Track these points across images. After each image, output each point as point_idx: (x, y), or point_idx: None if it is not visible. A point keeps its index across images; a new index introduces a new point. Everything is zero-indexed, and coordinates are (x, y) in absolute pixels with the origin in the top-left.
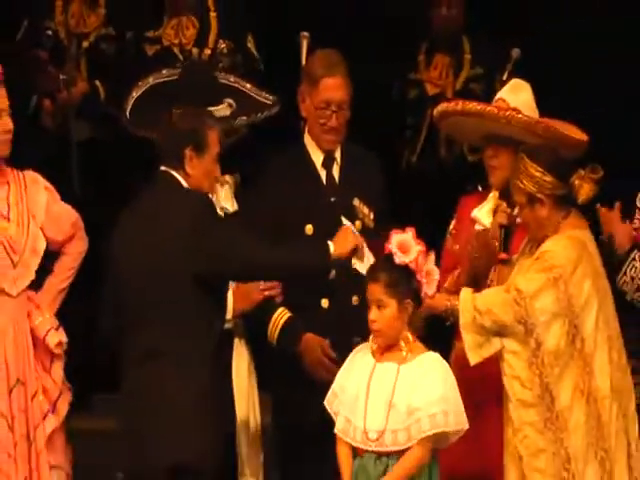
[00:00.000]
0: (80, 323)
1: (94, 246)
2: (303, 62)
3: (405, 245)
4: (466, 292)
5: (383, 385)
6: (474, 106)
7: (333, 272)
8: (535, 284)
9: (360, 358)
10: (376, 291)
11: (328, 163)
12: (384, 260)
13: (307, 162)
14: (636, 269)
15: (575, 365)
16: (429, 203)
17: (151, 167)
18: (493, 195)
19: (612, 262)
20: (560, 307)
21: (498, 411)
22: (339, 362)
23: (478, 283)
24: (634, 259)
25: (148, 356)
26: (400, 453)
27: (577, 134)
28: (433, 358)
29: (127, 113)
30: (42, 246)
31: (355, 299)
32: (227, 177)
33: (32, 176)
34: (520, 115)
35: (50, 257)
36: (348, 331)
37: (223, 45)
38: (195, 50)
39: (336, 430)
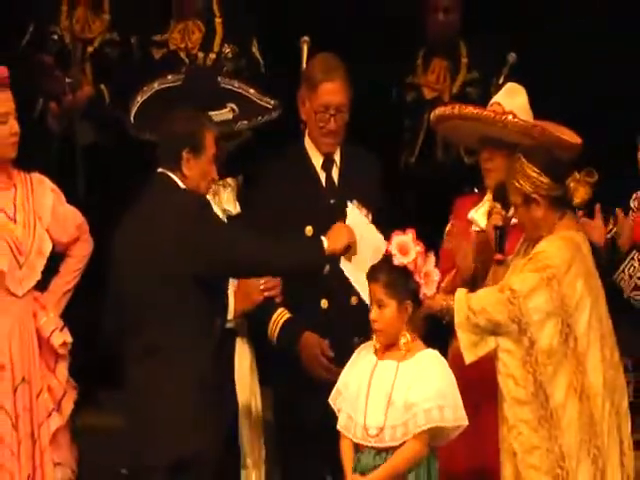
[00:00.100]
0: (86, 322)
1: (99, 247)
2: (303, 66)
3: (404, 246)
4: (460, 292)
5: (383, 382)
6: (471, 110)
7: (327, 267)
8: (529, 284)
9: (363, 356)
10: (376, 291)
11: (328, 165)
12: (384, 261)
13: (307, 164)
14: (634, 268)
15: (568, 363)
16: (426, 204)
17: (152, 170)
18: (489, 197)
19: (609, 263)
20: (553, 306)
21: (496, 409)
22: (337, 362)
23: (476, 283)
24: (633, 259)
25: (147, 355)
26: (398, 448)
27: (571, 137)
28: (431, 355)
29: (132, 117)
30: (48, 247)
31: (354, 299)
32: (229, 180)
33: (38, 178)
34: (516, 119)
35: (55, 259)
36: (347, 331)
37: (228, 50)
38: (201, 54)
39: (339, 426)
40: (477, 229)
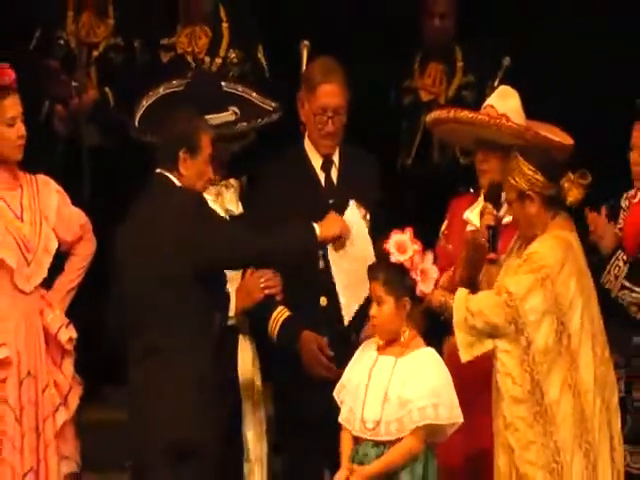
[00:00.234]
0: (90, 320)
1: (104, 247)
2: (303, 69)
3: (402, 244)
4: (461, 291)
5: (381, 377)
6: (466, 114)
7: (324, 264)
8: (524, 285)
9: (366, 352)
10: (376, 288)
11: (327, 166)
12: (383, 259)
13: (306, 165)
14: (619, 268)
15: (563, 361)
16: (424, 204)
17: (152, 171)
18: (483, 197)
19: (598, 262)
20: (548, 305)
21: (490, 404)
22: (336, 359)
23: (474, 281)
24: (618, 259)
25: (147, 355)
26: (394, 443)
27: (563, 138)
28: (428, 353)
29: (137, 121)
30: (54, 246)
31: None
32: (232, 181)
33: (44, 180)
34: (510, 123)
35: (60, 258)
36: (346, 328)
37: (233, 55)
38: (207, 59)
39: (340, 418)
40: (472, 229)
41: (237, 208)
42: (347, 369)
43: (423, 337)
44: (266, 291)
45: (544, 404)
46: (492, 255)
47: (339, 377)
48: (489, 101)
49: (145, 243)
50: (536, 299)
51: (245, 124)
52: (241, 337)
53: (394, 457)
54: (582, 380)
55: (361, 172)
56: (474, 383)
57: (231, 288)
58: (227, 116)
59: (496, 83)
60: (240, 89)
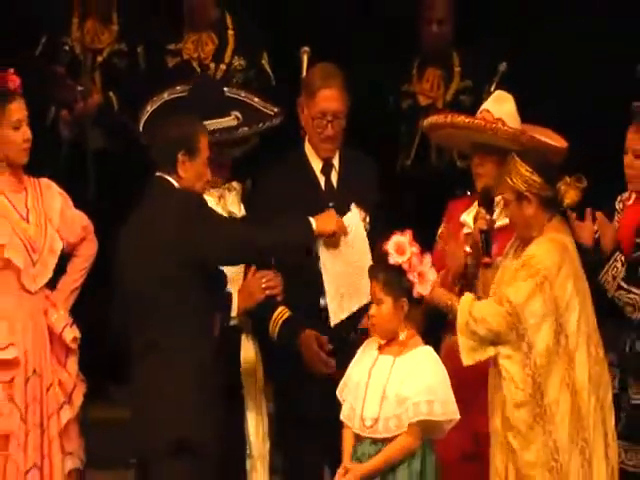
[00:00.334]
0: (94, 319)
1: (109, 248)
2: (303, 75)
3: (401, 246)
4: (467, 296)
5: (380, 376)
6: (462, 119)
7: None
8: (524, 291)
9: (367, 351)
10: (375, 288)
11: (327, 170)
12: (382, 260)
13: (307, 169)
14: (617, 269)
15: (561, 361)
16: (422, 207)
17: (152, 173)
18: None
19: (596, 263)
20: (547, 308)
21: (487, 401)
22: (336, 358)
23: (469, 282)
24: (616, 260)
25: (149, 353)
26: (392, 440)
27: (557, 141)
28: (425, 352)
29: (141, 126)
30: (59, 246)
31: None
32: (235, 184)
33: (46, 183)
34: (505, 127)
35: (63, 259)
36: (345, 328)
37: (238, 62)
38: (212, 65)
39: (342, 416)
40: (469, 231)
41: (239, 211)
42: (349, 368)
43: (422, 336)
44: (267, 292)
45: (543, 404)
46: (487, 259)
47: (339, 375)
48: (485, 106)
49: (146, 244)
50: (536, 303)
51: (247, 129)
52: (243, 336)
53: (390, 454)
54: (578, 379)
55: (360, 175)
56: (471, 381)
57: (233, 289)
58: (229, 121)
59: (492, 88)
60: (242, 94)
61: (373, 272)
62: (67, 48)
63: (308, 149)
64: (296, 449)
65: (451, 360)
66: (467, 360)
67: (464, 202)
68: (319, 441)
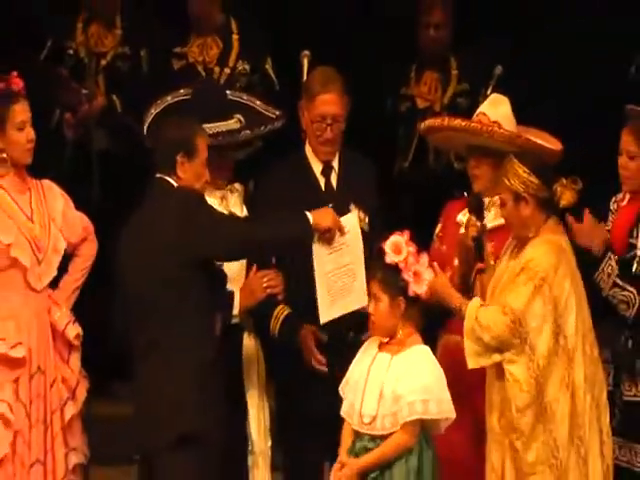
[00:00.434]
0: (99, 316)
1: (111, 249)
2: (304, 79)
3: (397, 246)
4: (475, 301)
5: (378, 374)
6: (459, 122)
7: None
8: (524, 296)
9: (368, 349)
10: (374, 286)
11: (327, 172)
12: (380, 259)
13: (307, 171)
14: (612, 267)
15: (560, 360)
16: (420, 208)
17: (152, 175)
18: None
19: (592, 263)
20: (547, 310)
21: (483, 398)
22: (334, 356)
23: (468, 283)
24: (610, 259)
25: (150, 353)
26: (389, 437)
27: (553, 144)
28: (421, 351)
29: (145, 129)
30: (62, 246)
31: None
32: (237, 185)
33: (48, 184)
34: (501, 130)
35: (64, 259)
36: (343, 326)
37: (242, 66)
38: (217, 68)
39: (342, 412)
40: (464, 231)
41: (241, 212)
42: (351, 365)
43: (420, 334)
44: (268, 290)
45: (544, 403)
46: (480, 265)
47: (341, 373)
48: (481, 109)
49: (147, 245)
50: (536, 306)
51: (249, 132)
52: (245, 334)
53: (386, 450)
54: (575, 378)
55: (360, 176)
56: (468, 379)
57: (235, 287)
58: (232, 124)
59: (489, 91)
60: (244, 97)
61: (371, 270)
62: (71, 52)
63: (308, 151)
64: (297, 446)
65: (448, 358)
66: (472, 364)
67: (460, 203)
68: (320, 438)
